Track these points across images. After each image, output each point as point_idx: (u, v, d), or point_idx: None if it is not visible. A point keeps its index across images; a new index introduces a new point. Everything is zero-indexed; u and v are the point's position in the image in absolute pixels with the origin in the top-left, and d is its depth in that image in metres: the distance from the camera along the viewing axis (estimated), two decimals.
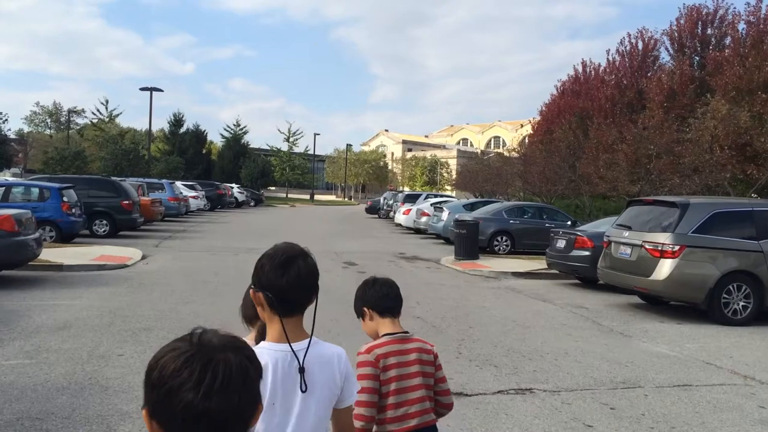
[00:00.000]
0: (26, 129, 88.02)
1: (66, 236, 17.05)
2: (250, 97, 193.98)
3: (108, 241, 18.17)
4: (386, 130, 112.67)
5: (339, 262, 16.00)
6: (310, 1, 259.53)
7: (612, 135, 28.15)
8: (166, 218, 26.95)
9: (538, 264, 16.17)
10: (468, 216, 19.53)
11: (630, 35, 43.37)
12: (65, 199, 17.06)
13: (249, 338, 2.31)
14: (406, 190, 68.96)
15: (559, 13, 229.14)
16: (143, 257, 14.93)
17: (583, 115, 44.63)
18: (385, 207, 38.43)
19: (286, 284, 1.88)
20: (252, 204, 51.35)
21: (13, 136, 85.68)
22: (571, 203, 32.37)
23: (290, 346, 1.89)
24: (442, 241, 23.18)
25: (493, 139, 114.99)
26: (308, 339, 1.94)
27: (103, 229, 19.66)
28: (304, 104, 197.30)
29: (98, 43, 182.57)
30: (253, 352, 1.23)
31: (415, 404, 2.58)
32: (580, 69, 49.70)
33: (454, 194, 53.99)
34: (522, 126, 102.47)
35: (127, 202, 19.92)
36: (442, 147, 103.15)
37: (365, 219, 39.60)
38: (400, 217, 28.69)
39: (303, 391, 1.88)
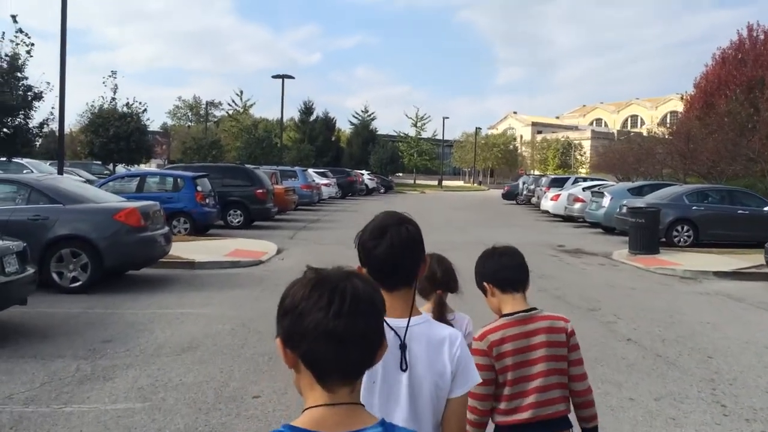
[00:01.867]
0: (170, 122, 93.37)
1: (200, 227, 16.19)
2: (374, 84, 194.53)
3: (242, 232, 17.17)
4: (514, 113, 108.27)
5: None
6: None
7: None
8: (299, 207, 26.00)
9: (737, 260, 13.22)
10: (640, 202, 16.70)
11: None
12: (199, 188, 16.18)
13: (424, 309, 2.35)
14: (537, 173, 65.42)
15: None
16: (278, 251, 13.64)
17: (752, 86, 39.48)
18: (525, 192, 35.62)
19: (380, 256, 1.76)
20: (382, 191, 50.16)
21: (157, 129, 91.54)
22: (741, 184, 28.05)
23: (385, 321, 1.49)
24: (601, 230, 20.41)
25: (630, 118, 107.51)
26: (416, 316, 1.78)
27: (237, 220, 18.75)
28: (427, 90, 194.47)
29: (232, 38, 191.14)
30: (377, 285, 1.28)
31: (532, 395, 2.27)
32: (745, 33, 44.09)
33: (591, 177, 49.64)
34: (675, 102, 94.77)
35: (261, 191, 18.91)
36: (575, 128, 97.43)
37: (503, 205, 37.05)
38: (547, 204, 25.99)
39: (403, 370, 1.71)
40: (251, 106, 69.48)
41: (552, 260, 13.61)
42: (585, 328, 7.45)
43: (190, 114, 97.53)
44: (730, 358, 6.41)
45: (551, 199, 25.53)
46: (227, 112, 69.68)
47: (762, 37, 43.39)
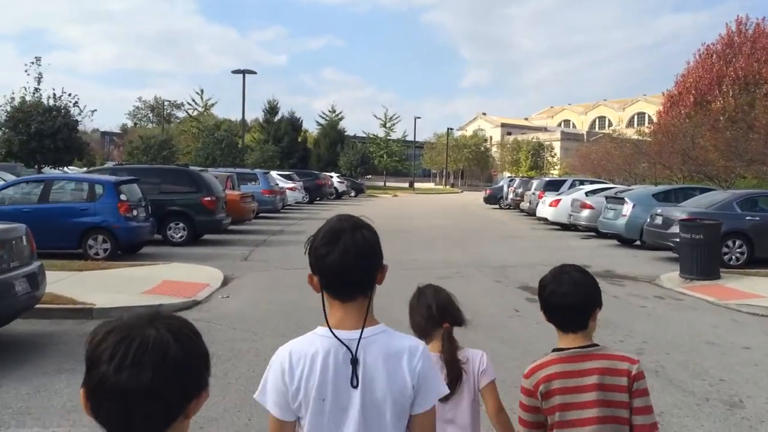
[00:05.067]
0: (129, 124, 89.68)
1: (125, 247, 12.53)
2: (341, 86, 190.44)
3: (183, 251, 13.50)
4: (483, 114, 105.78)
5: (512, 287, 10.58)
6: None
7: None
8: (259, 215, 22.30)
9: None
10: (681, 212, 13.51)
11: None
12: (123, 197, 12.45)
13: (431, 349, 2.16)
14: (508, 175, 62.82)
15: None
16: (224, 282, 10.07)
17: (747, 81, 37.29)
18: (511, 196, 32.40)
19: (333, 264, 1.57)
20: (353, 194, 46.59)
21: (116, 131, 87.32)
22: (749, 186, 25.28)
23: (333, 334, 1.57)
24: (616, 242, 17.30)
25: (597, 120, 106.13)
26: (372, 326, 1.60)
27: (179, 235, 15.01)
28: (394, 92, 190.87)
29: (197, 39, 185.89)
30: (189, 333, 1.14)
31: None
32: (734, 27, 41.77)
33: (588, 180, 46.72)
34: (642, 103, 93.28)
35: (209, 198, 15.22)
36: (543, 129, 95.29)
37: (487, 210, 33.80)
38: (545, 210, 22.75)
39: (354, 387, 1.55)
40: (212, 105, 65.20)
41: None
42: None
43: (151, 115, 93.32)
44: None
45: (550, 205, 22.29)
46: (187, 112, 65.35)
47: (752, 30, 41.17)
